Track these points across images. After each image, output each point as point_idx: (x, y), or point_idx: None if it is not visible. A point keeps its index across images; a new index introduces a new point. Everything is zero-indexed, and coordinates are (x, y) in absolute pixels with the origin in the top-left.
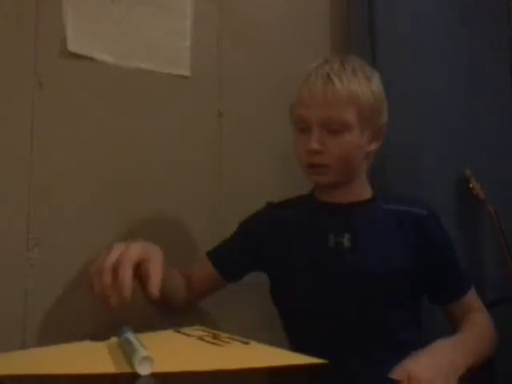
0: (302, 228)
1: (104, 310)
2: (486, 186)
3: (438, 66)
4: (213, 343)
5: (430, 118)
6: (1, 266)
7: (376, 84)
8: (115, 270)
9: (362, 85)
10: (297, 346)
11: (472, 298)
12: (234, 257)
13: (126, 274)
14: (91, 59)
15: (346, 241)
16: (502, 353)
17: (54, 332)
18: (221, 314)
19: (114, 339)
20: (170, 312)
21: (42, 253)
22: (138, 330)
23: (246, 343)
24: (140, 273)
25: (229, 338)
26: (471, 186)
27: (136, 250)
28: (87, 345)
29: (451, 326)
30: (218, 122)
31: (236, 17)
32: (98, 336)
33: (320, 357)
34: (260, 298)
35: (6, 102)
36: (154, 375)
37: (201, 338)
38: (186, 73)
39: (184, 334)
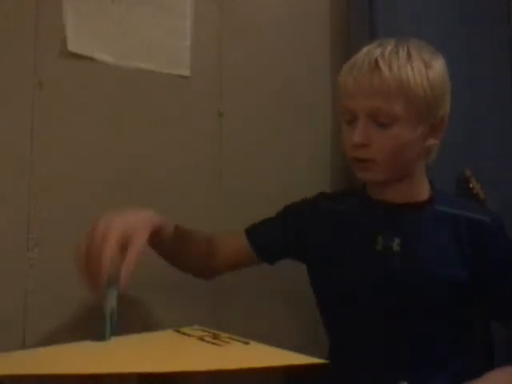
0: (350, 224)
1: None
2: (485, 186)
3: None
4: (213, 343)
5: None
6: (1, 266)
7: (436, 71)
8: (97, 254)
9: (417, 72)
10: (333, 346)
11: None
12: (274, 236)
13: (103, 268)
14: (91, 59)
15: (395, 245)
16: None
17: (54, 332)
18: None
19: (114, 339)
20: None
21: (41, 253)
22: (138, 330)
23: (246, 343)
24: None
25: (229, 337)
26: (471, 185)
27: (116, 233)
28: (87, 345)
29: None
30: (218, 122)
31: (236, 17)
32: (98, 336)
33: (355, 364)
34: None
35: (6, 101)
36: (154, 375)
37: (201, 338)
38: (186, 73)
39: (184, 333)
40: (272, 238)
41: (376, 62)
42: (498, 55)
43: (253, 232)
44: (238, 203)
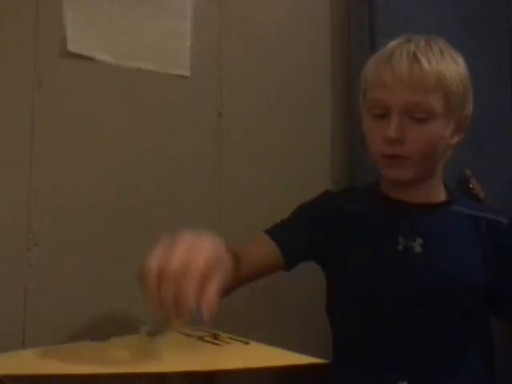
0: (369, 225)
1: (103, 311)
2: (486, 186)
3: None
4: (213, 343)
5: None
6: (1, 266)
7: (463, 68)
8: (177, 280)
9: (451, 67)
10: (337, 345)
11: None
12: (300, 240)
13: (189, 298)
14: (91, 59)
15: (417, 246)
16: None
17: (53, 332)
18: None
19: (113, 339)
20: None
21: (41, 253)
22: (138, 330)
23: (246, 343)
24: None
25: (229, 337)
26: (471, 186)
27: (204, 258)
28: (87, 345)
29: None
30: (217, 122)
31: (236, 17)
32: (97, 336)
33: (362, 363)
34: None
35: (6, 101)
36: (154, 375)
37: (201, 338)
38: (186, 73)
39: (184, 334)
40: (298, 239)
41: (414, 54)
42: (498, 55)
43: (278, 235)
44: (237, 203)
